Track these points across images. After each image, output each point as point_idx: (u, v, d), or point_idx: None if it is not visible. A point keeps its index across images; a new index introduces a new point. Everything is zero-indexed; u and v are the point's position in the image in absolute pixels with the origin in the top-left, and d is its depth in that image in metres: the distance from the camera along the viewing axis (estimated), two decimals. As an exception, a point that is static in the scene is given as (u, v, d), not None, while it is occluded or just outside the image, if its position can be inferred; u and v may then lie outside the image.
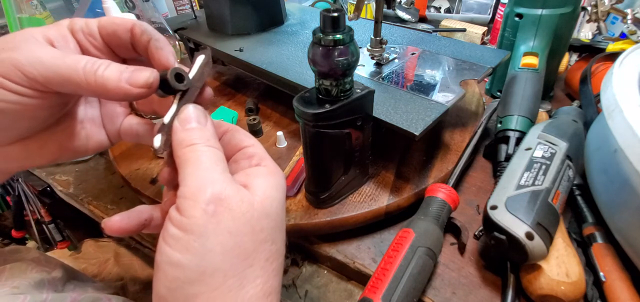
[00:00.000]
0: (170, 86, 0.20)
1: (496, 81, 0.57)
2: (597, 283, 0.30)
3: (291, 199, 0.38)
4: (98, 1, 0.47)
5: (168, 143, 0.20)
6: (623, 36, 0.61)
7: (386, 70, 0.45)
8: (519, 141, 0.40)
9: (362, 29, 0.57)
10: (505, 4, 0.66)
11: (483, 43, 0.75)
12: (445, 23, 0.79)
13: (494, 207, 0.30)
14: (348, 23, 0.27)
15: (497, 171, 0.40)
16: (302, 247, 0.37)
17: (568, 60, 0.60)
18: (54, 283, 0.30)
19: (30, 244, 0.91)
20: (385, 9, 0.43)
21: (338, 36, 0.26)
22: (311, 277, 0.36)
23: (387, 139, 0.43)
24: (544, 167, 0.32)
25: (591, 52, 0.59)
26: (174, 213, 0.18)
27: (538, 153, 0.34)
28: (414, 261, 0.29)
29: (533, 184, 0.31)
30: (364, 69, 0.46)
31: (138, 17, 0.54)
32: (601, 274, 0.30)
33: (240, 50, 0.52)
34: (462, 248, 0.34)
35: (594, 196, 0.34)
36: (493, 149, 0.43)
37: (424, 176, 0.39)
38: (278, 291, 0.20)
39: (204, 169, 0.18)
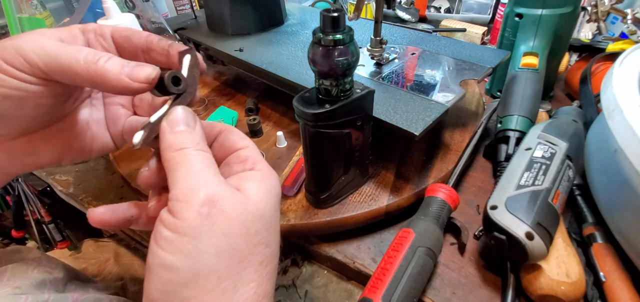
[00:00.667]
0: (165, 87, 0.20)
1: (496, 81, 0.57)
2: (597, 283, 0.31)
3: (291, 199, 0.38)
4: (98, 1, 0.47)
5: (147, 141, 0.20)
6: (623, 36, 0.61)
7: (386, 70, 0.45)
8: (519, 141, 0.40)
9: (362, 29, 0.57)
10: (505, 4, 0.67)
11: (483, 43, 0.75)
12: (445, 23, 0.79)
13: (494, 207, 0.30)
14: (348, 23, 0.27)
15: (497, 171, 0.40)
16: (302, 247, 0.37)
17: (568, 60, 0.60)
18: (56, 283, 0.30)
19: (30, 244, 0.91)
20: (385, 9, 0.43)
21: (338, 36, 0.26)
22: (311, 277, 0.36)
23: (387, 139, 0.43)
24: (544, 167, 0.32)
25: (591, 52, 0.59)
26: (166, 215, 0.17)
27: (538, 153, 0.34)
28: (414, 261, 0.29)
29: (533, 184, 0.31)
30: (364, 69, 0.46)
31: (138, 17, 0.54)
32: (601, 274, 0.30)
33: (240, 50, 0.52)
34: (462, 248, 0.34)
35: (594, 196, 0.34)
36: (493, 149, 0.43)
37: (424, 176, 0.39)
38: (271, 296, 0.20)
39: (196, 171, 0.18)
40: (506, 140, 0.41)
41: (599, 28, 0.51)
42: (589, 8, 0.50)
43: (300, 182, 0.39)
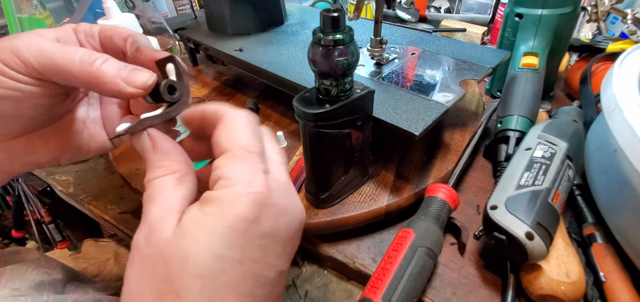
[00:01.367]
0: (160, 95, 0.20)
1: (496, 81, 0.57)
2: (597, 283, 0.31)
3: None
4: (98, 1, 0.47)
5: (128, 133, 0.19)
6: (623, 36, 0.61)
7: (386, 70, 0.45)
8: (519, 141, 0.40)
9: (362, 29, 0.57)
10: (505, 4, 0.66)
11: (483, 43, 0.75)
12: (445, 23, 0.79)
13: (494, 207, 0.30)
14: (348, 23, 0.27)
15: (497, 171, 0.40)
16: (302, 247, 0.37)
17: (568, 60, 0.60)
18: (55, 284, 0.30)
19: (30, 244, 0.91)
20: (385, 9, 0.43)
21: (338, 36, 0.26)
22: (311, 277, 0.36)
23: (387, 139, 0.43)
24: (544, 167, 0.32)
25: (591, 52, 0.59)
26: None
27: (538, 153, 0.34)
28: (414, 261, 0.29)
29: (533, 184, 0.31)
30: (364, 69, 0.46)
31: (138, 17, 0.54)
32: (601, 274, 0.30)
33: (240, 50, 0.52)
34: (462, 248, 0.34)
35: (594, 196, 0.34)
36: (493, 149, 0.43)
37: (424, 176, 0.39)
38: None
39: (149, 204, 0.17)
40: (506, 140, 0.41)
41: (599, 28, 0.51)
42: (589, 8, 0.50)
43: (300, 182, 0.39)
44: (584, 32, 0.60)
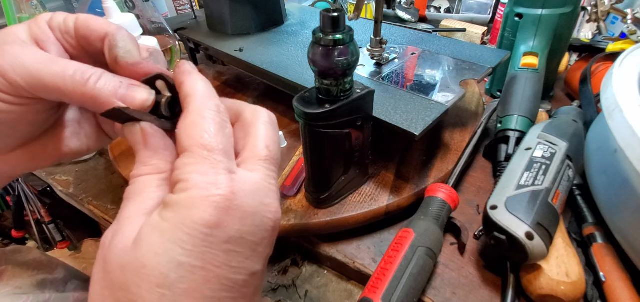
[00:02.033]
0: (161, 112, 0.19)
1: (496, 81, 0.57)
2: (597, 283, 0.31)
3: (291, 199, 0.38)
4: (98, 1, 0.47)
5: (123, 113, 0.18)
6: (623, 36, 0.61)
7: (386, 70, 0.45)
8: (519, 141, 0.40)
9: (362, 29, 0.57)
10: (505, 4, 0.66)
11: (483, 43, 0.75)
12: (445, 23, 0.79)
13: (494, 207, 0.30)
14: (348, 23, 0.27)
15: (497, 171, 0.40)
16: (302, 247, 0.37)
17: (568, 60, 0.60)
18: (56, 283, 0.30)
19: (30, 244, 0.91)
20: (385, 9, 0.43)
21: (338, 36, 0.26)
22: (311, 277, 0.36)
23: (387, 139, 0.43)
24: (544, 167, 0.32)
25: (591, 52, 0.59)
26: None
27: (538, 153, 0.34)
28: (414, 261, 0.29)
29: (533, 184, 0.31)
30: (364, 69, 0.46)
31: (138, 17, 0.54)
32: (601, 274, 0.30)
33: (240, 50, 0.52)
34: (462, 248, 0.34)
35: (594, 196, 0.34)
36: (493, 149, 0.43)
37: (424, 176, 0.39)
38: None
39: (131, 202, 0.17)
40: (506, 140, 0.41)
41: (599, 28, 0.51)
42: (589, 8, 0.50)
43: (300, 182, 0.39)
44: (584, 32, 0.60)
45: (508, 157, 0.40)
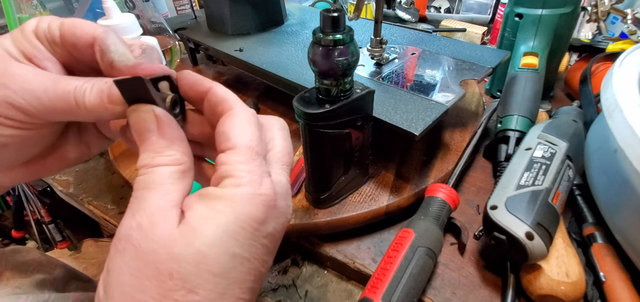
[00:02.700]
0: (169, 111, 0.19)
1: (496, 81, 0.57)
2: (597, 283, 0.31)
3: (291, 199, 0.38)
4: (98, 1, 0.47)
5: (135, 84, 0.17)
6: (623, 36, 0.61)
7: (386, 70, 0.45)
8: (519, 141, 0.40)
9: (362, 29, 0.58)
10: (505, 4, 0.66)
11: (483, 43, 0.75)
12: (445, 23, 0.79)
13: (494, 207, 0.30)
14: (348, 23, 0.27)
15: (497, 171, 0.40)
16: (302, 247, 0.37)
17: (568, 60, 0.60)
18: (56, 283, 0.30)
19: (30, 244, 0.91)
20: (385, 9, 0.43)
21: (338, 36, 0.26)
22: (311, 277, 0.36)
23: (387, 139, 0.43)
24: (544, 167, 0.32)
25: (591, 52, 0.59)
26: None
27: (538, 153, 0.34)
28: (414, 261, 0.29)
29: (533, 184, 0.31)
30: (364, 69, 0.46)
31: (138, 17, 0.54)
32: (601, 274, 0.30)
33: (240, 50, 0.52)
34: (462, 248, 0.34)
35: (594, 196, 0.34)
36: (493, 149, 0.43)
37: (424, 176, 0.39)
38: None
39: (138, 198, 0.16)
40: (506, 140, 0.41)
41: (599, 28, 0.51)
42: (589, 8, 0.50)
43: (300, 182, 0.39)
44: (584, 32, 0.60)
45: (508, 157, 0.40)
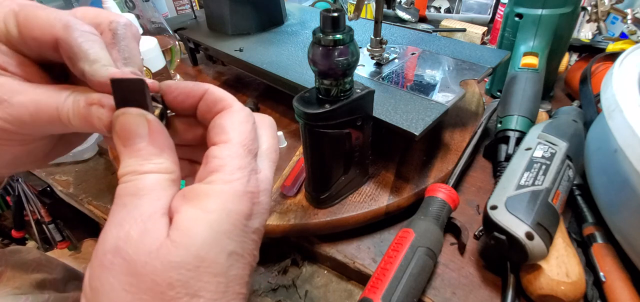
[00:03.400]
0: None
1: (496, 81, 0.57)
2: (597, 283, 0.31)
3: (291, 199, 0.38)
4: (98, 1, 0.47)
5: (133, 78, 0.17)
6: (623, 36, 0.61)
7: (386, 70, 0.45)
8: (519, 141, 0.40)
9: (362, 29, 0.57)
10: (505, 4, 0.66)
11: (483, 43, 0.75)
12: (445, 23, 0.79)
13: (494, 207, 0.30)
14: (348, 23, 0.27)
15: (497, 171, 0.40)
16: (302, 247, 0.37)
17: (568, 60, 0.60)
18: (56, 283, 0.30)
19: (30, 244, 0.91)
20: (385, 9, 0.43)
21: (338, 36, 0.26)
22: (311, 277, 0.36)
23: (387, 139, 0.43)
24: (544, 167, 0.32)
25: (591, 52, 0.59)
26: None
27: (538, 153, 0.34)
28: (414, 261, 0.29)
29: (533, 184, 0.31)
30: (364, 69, 0.46)
31: (138, 17, 0.54)
32: (601, 274, 0.30)
33: (240, 50, 0.52)
34: (462, 248, 0.34)
35: (594, 196, 0.34)
36: (493, 149, 0.43)
37: (424, 176, 0.39)
38: None
39: (123, 207, 0.15)
40: (506, 140, 0.41)
41: (599, 28, 0.51)
42: (589, 8, 0.50)
43: (300, 182, 0.39)
44: (584, 32, 0.60)
45: (508, 157, 0.40)
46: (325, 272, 0.36)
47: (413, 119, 0.34)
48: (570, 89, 0.57)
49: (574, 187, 0.37)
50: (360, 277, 0.34)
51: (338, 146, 0.32)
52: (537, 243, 0.27)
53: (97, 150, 0.53)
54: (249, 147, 0.18)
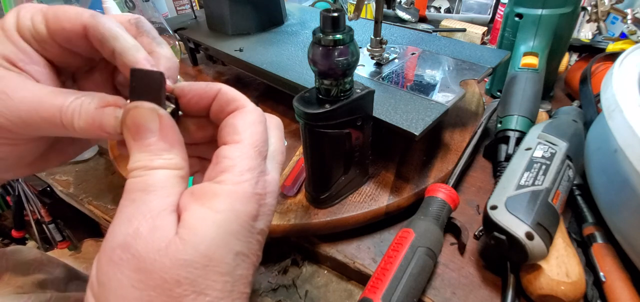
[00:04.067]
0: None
1: (496, 81, 0.57)
2: (597, 283, 0.31)
3: (291, 199, 0.38)
4: (98, 1, 0.47)
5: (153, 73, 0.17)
6: (623, 36, 0.61)
7: (386, 70, 0.45)
8: (519, 141, 0.40)
9: (362, 29, 0.58)
10: (505, 4, 0.66)
11: (483, 43, 0.75)
12: (445, 23, 0.79)
13: (494, 207, 0.30)
14: (348, 23, 0.27)
15: (497, 171, 0.40)
16: (302, 247, 0.37)
17: (568, 60, 0.60)
18: (57, 283, 0.30)
19: (31, 244, 0.91)
20: (385, 9, 0.43)
21: (338, 36, 0.26)
22: (311, 277, 0.36)
23: (387, 139, 0.43)
24: (544, 167, 0.32)
25: (591, 52, 0.59)
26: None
27: (538, 153, 0.34)
28: (414, 261, 0.29)
29: (533, 184, 0.31)
30: (364, 69, 0.46)
31: (138, 17, 0.54)
32: (601, 274, 0.30)
33: (240, 50, 0.52)
34: (462, 248, 0.34)
35: (594, 196, 0.34)
36: (493, 149, 0.43)
37: (424, 176, 0.39)
38: None
39: (132, 203, 0.16)
40: (506, 140, 0.41)
41: (599, 28, 0.51)
42: (589, 8, 0.50)
43: (300, 182, 0.39)
44: (584, 32, 0.60)
45: (508, 157, 0.40)
46: (326, 272, 0.36)
47: (413, 119, 0.34)
48: (570, 89, 0.57)
49: (574, 187, 0.37)
50: (360, 277, 0.34)
51: (338, 146, 0.32)
52: (537, 243, 0.27)
53: (98, 150, 0.53)
54: (260, 148, 0.18)
